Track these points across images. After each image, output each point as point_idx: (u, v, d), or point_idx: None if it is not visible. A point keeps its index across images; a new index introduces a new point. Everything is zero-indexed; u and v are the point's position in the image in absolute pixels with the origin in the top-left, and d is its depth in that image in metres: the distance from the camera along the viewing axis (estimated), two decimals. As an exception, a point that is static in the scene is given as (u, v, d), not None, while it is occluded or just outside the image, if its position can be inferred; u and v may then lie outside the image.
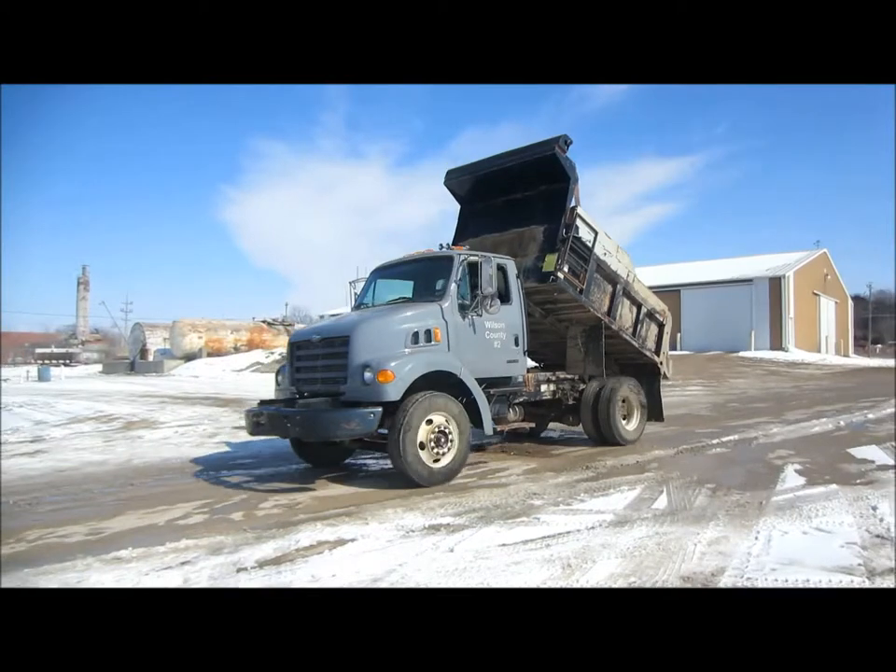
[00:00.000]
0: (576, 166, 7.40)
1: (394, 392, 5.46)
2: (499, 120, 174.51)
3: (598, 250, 7.64)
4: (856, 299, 57.96)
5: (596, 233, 7.63)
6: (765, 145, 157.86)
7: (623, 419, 7.85)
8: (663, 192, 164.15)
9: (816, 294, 41.57)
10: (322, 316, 60.17)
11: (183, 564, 3.53)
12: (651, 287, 9.05)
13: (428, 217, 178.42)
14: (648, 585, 3.10)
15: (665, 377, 9.12)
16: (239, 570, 3.42)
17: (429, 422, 5.63)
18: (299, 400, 5.97)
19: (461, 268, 6.42)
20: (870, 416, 10.49)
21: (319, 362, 6.11)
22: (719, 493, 5.03)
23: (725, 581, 3.11)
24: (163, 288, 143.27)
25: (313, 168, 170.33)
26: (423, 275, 6.87)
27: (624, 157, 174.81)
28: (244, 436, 8.74)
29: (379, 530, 4.14)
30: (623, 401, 7.90)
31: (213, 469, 6.65)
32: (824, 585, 3.04)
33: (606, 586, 3.12)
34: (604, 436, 7.66)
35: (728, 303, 35.25)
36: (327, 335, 6.10)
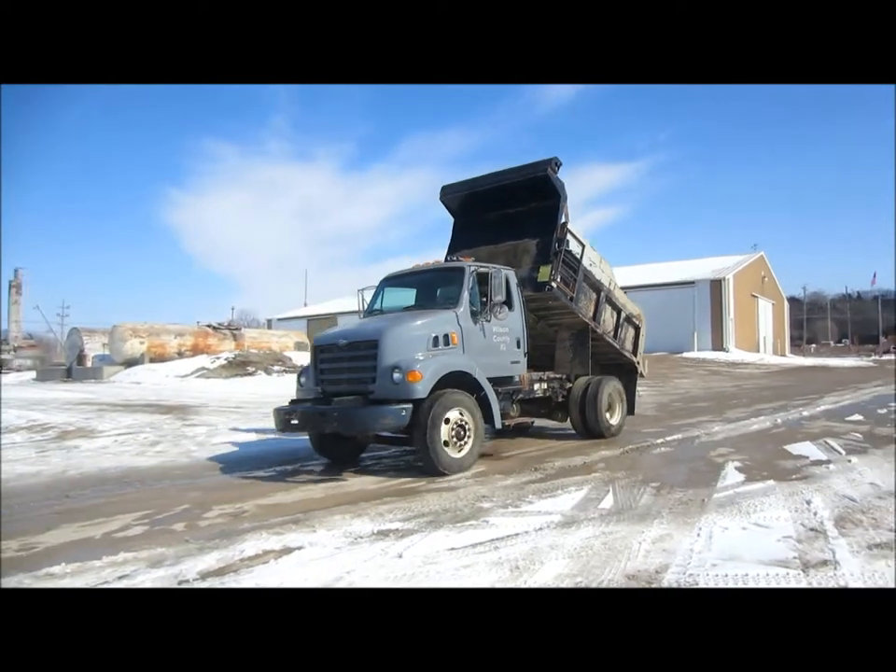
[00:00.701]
0: (565, 185, 8.08)
1: (422, 390, 6.07)
2: (448, 124, 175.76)
3: (585, 261, 8.38)
4: (791, 300, 60.33)
5: (584, 246, 8.40)
6: (705, 151, 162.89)
7: (607, 413, 8.51)
8: (608, 197, 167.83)
9: (754, 296, 43.09)
10: (269, 320, 59.29)
11: (121, 578, 3.40)
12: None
13: (378, 221, 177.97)
14: (595, 585, 3.13)
15: (642, 375, 9.98)
16: (181, 583, 3.31)
17: (449, 419, 6.21)
18: (334, 399, 6.42)
19: (472, 278, 7.08)
20: (805, 413, 10.92)
21: (345, 364, 6.66)
22: (663, 491, 5.14)
23: (669, 579, 3.17)
24: (103, 292, 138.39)
25: (260, 170, 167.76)
26: (434, 285, 7.58)
27: (571, 162, 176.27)
28: (187, 444, 8.52)
29: (326, 537, 4.07)
30: (608, 397, 8.53)
31: (153, 478, 6.43)
32: (822, 586, 3.08)
33: (606, 586, 3.14)
34: (590, 429, 8.33)
35: (672, 305, 36.13)
36: (353, 339, 6.67)
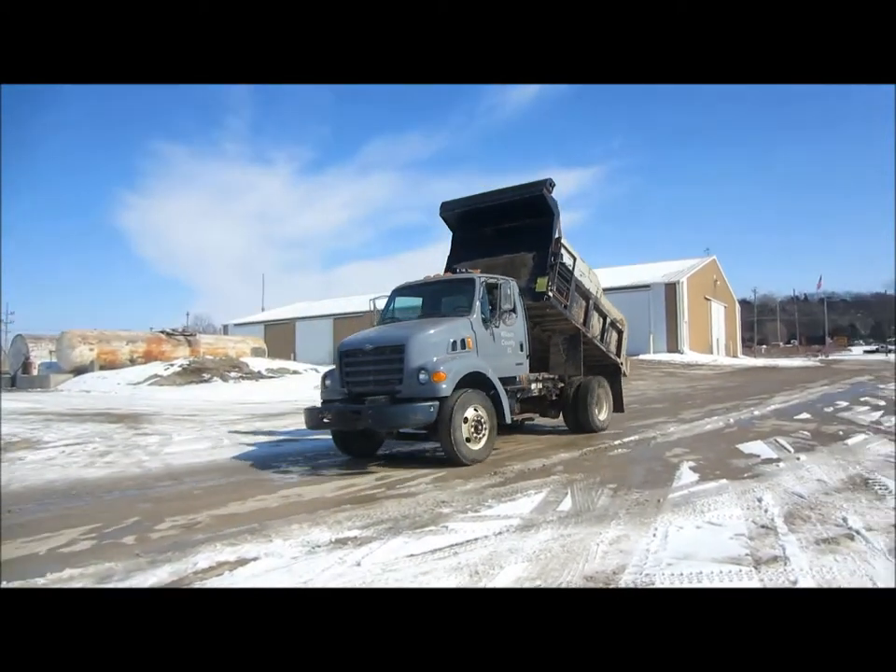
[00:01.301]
0: (557, 203, 8.84)
1: (446, 389, 6.73)
2: (408, 128, 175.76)
3: (577, 273, 9.21)
4: (742, 303, 62.04)
5: (575, 259, 9.21)
6: (657, 157, 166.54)
7: (596, 410, 9.33)
8: (565, 201, 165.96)
9: (707, 299, 44.19)
10: (226, 326, 58.27)
11: (65, 596, 3.26)
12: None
13: (338, 224, 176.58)
14: (556, 587, 3.14)
15: (625, 375, 10.94)
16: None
17: (468, 414, 6.89)
18: (367, 399, 6.96)
19: (482, 288, 7.77)
20: (756, 413, 11.22)
21: (371, 367, 7.22)
22: (620, 492, 5.20)
23: (626, 580, 3.19)
24: (50, 298, 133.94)
25: (217, 173, 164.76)
26: (445, 295, 8.35)
27: (529, 167, 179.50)
28: (138, 454, 8.28)
29: (283, 547, 3.99)
30: (596, 396, 9.35)
31: (102, 490, 6.23)
32: (823, 586, 3.09)
33: (605, 586, 3.15)
34: (581, 425, 9.17)
35: (628, 308, 36.59)
36: (379, 344, 7.23)
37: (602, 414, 9.50)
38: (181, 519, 4.87)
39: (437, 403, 6.65)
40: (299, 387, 21.25)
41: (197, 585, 3.38)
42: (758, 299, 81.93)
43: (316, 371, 28.47)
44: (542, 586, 3.17)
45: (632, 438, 8.49)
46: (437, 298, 8.41)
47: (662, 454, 7.22)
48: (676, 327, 38.35)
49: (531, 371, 8.54)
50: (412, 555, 3.73)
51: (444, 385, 6.72)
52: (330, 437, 7.93)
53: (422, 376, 6.73)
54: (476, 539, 4.00)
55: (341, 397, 7.42)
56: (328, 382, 7.67)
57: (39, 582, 3.47)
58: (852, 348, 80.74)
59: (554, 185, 8.84)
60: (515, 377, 8.02)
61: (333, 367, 7.77)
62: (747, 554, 3.53)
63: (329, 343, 49.24)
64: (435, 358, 6.90)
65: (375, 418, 6.75)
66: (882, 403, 12.46)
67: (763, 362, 41.84)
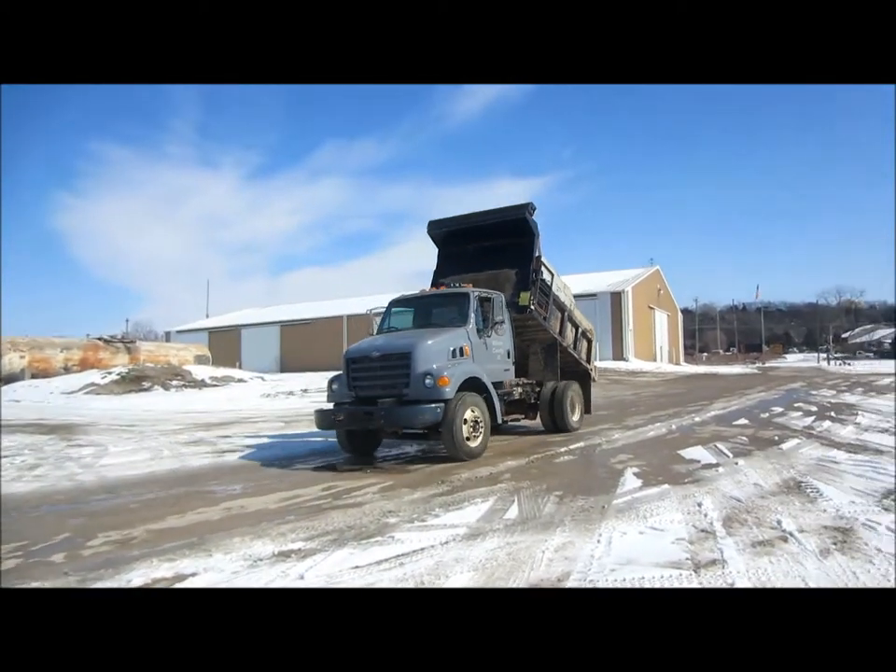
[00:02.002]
0: (538, 224, 9.74)
1: (450, 392, 7.42)
2: (357, 135, 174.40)
3: (555, 288, 10.17)
4: (685, 311, 63.94)
5: (553, 275, 10.16)
6: (605, 168, 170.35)
7: (570, 412, 10.12)
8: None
9: (651, 307, 45.34)
10: (168, 333, 56.59)
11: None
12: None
13: (288, 230, 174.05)
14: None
15: (594, 380, 12.00)
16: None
17: (468, 415, 7.57)
18: (379, 401, 7.57)
19: (476, 301, 8.60)
20: (697, 419, 11.53)
21: (378, 372, 7.88)
22: (566, 499, 5.24)
23: (570, 586, 3.21)
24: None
25: (161, 176, 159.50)
26: (441, 307, 9.06)
27: (481, 175, 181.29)
28: (71, 467, 7.93)
29: (223, 561, 3.87)
30: (570, 399, 10.16)
31: (31, 505, 5.92)
32: (827, 586, 3.14)
33: (606, 586, 3.18)
34: (557, 426, 9.94)
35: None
36: (386, 352, 7.92)
37: (575, 416, 10.37)
38: (115, 534, 4.67)
39: (442, 405, 7.33)
40: (244, 396, 20.83)
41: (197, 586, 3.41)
42: (699, 308, 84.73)
43: (262, 379, 27.97)
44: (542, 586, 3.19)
45: (578, 444, 8.59)
46: (432, 310, 9.15)
47: (607, 460, 7.33)
48: (621, 335, 39.19)
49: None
50: (356, 567, 3.67)
51: (448, 389, 7.41)
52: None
53: (427, 381, 7.40)
54: (422, 549, 3.96)
55: (348, 400, 8.05)
56: (334, 386, 8.29)
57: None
58: (787, 356, 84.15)
59: (535, 208, 9.77)
60: (502, 382, 8.84)
61: (339, 372, 8.34)
62: (687, 558, 3.60)
63: (275, 350, 48.47)
64: (438, 365, 7.62)
65: (387, 418, 7.39)
66: (814, 409, 12.98)
67: (704, 369, 43.14)
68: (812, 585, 3.16)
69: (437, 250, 10.91)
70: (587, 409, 11.15)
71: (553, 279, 10.13)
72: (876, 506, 4.70)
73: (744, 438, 8.65)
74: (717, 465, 6.59)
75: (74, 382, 21.47)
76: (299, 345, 46.72)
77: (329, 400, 8.42)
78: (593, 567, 3.51)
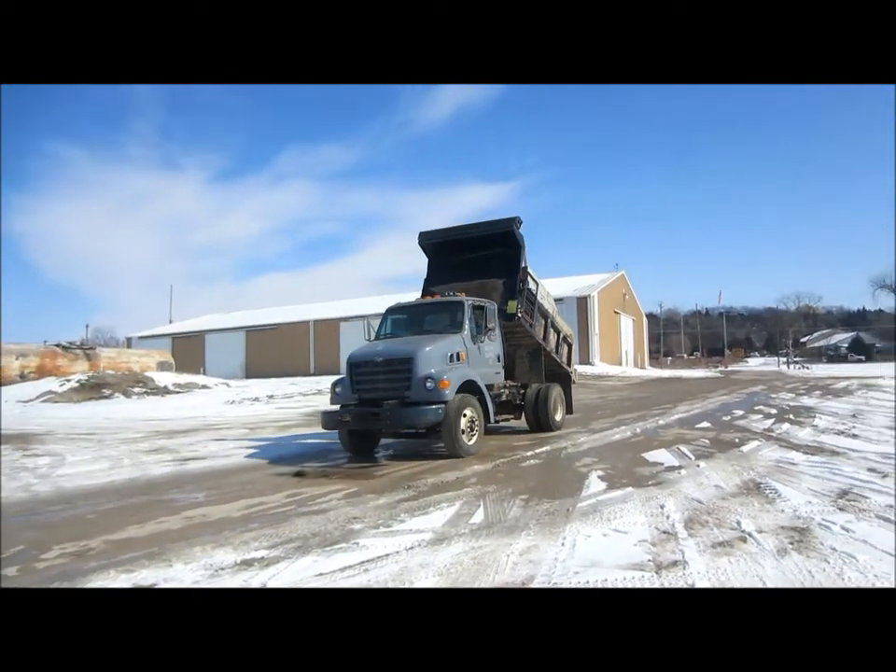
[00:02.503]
0: (524, 236, 10.40)
1: (449, 394, 7.98)
2: (323, 140, 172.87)
3: (539, 296, 10.80)
4: (649, 316, 64.94)
5: (538, 284, 10.81)
6: (570, 174, 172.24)
7: (553, 412, 10.75)
8: (486, 215, 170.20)
9: (616, 312, 45.91)
10: (129, 339, 55.40)
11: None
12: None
13: (253, 234, 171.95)
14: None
15: (574, 382, 12.75)
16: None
17: (465, 415, 8.14)
18: (384, 403, 8.06)
19: (470, 309, 9.18)
20: (660, 422, 11.70)
21: (381, 376, 8.36)
22: (531, 503, 5.27)
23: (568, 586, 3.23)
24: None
25: (121, 178, 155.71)
26: (436, 314, 9.58)
27: (448, 181, 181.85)
28: (26, 477, 7.70)
29: (184, 571, 3.79)
30: (554, 400, 10.79)
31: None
32: (826, 585, 3.18)
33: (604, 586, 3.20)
34: (541, 425, 10.52)
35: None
36: (388, 357, 8.41)
37: (558, 415, 11.00)
38: (71, 546, 4.54)
39: (443, 406, 7.86)
40: (208, 403, 20.50)
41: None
42: (663, 312, 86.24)
43: (227, 385, 27.56)
44: (541, 586, 3.22)
45: (544, 448, 8.64)
46: (428, 317, 9.66)
47: (572, 463, 7.39)
48: (587, 339, 39.57)
49: None
50: (320, 574, 3.64)
51: (448, 391, 7.96)
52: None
53: (429, 384, 7.92)
54: (387, 555, 3.94)
55: (352, 402, 8.49)
56: (338, 389, 8.76)
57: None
58: (748, 360, 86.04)
59: (521, 222, 10.42)
60: (493, 384, 9.41)
61: (342, 376, 8.84)
62: (649, 560, 3.65)
63: (241, 356, 47.82)
64: (438, 369, 8.16)
65: (392, 419, 7.90)
66: (773, 412, 13.28)
67: (668, 373, 43.87)
68: (769, 585, 3.23)
69: (427, 259, 11.41)
70: (569, 409, 11.93)
71: (537, 288, 10.77)
72: (832, 506, 4.82)
73: (706, 440, 8.81)
74: (680, 467, 6.69)
75: (30, 390, 20.88)
76: (264, 351, 46.20)
77: (332, 402, 8.91)
78: (557, 569, 3.53)
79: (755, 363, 76.31)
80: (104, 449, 10.10)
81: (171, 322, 60.97)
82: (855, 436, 8.88)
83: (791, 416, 12.02)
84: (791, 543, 3.90)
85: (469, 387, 8.44)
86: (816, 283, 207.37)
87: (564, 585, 3.30)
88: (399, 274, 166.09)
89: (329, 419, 8.57)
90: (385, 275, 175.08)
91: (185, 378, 25.98)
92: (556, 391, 11.08)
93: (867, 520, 4.40)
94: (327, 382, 28.64)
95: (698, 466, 6.69)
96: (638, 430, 10.52)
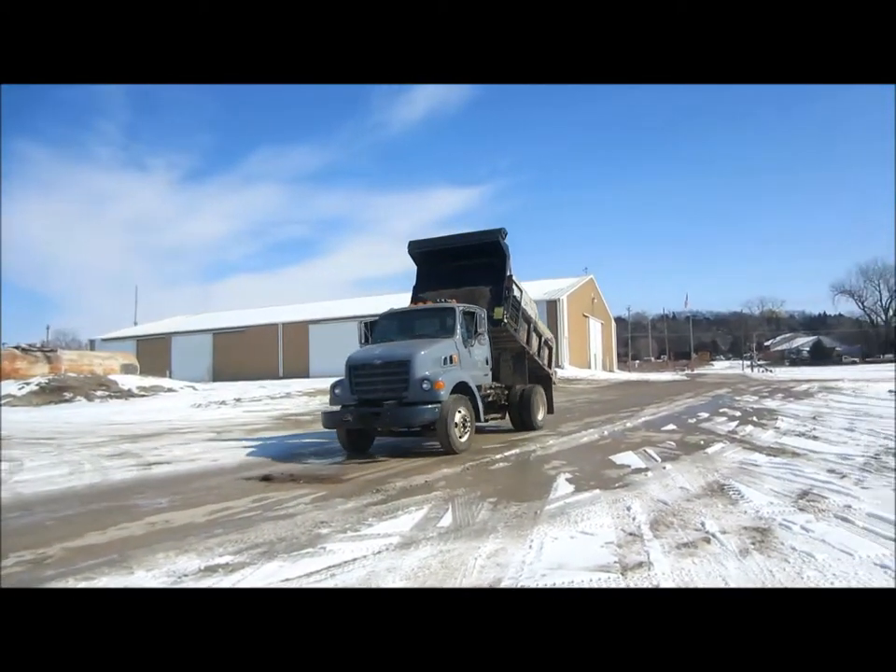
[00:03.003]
0: (509, 246, 11.03)
1: (444, 395, 8.55)
2: (294, 141, 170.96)
3: (523, 303, 11.46)
4: (618, 320, 65.70)
5: (522, 291, 11.48)
6: (541, 179, 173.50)
7: (536, 412, 11.34)
8: (455, 219, 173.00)
9: (585, 316, 46.35)
10: (92, 341, 54.19)
11: None
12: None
13: (220, 236, 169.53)
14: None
15: (555, 384, 13.48)
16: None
17: (459, 412, 8.76)
18: (384, 403, 8.67)
19: (461, 315, 9.77)
20: (628, 425, 11.83)
21: (379, 378, 8.89)
22: (500, 506, 5.28)
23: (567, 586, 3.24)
24: None
25: (85, 178, 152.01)
26: (430, 319, 10.10)
27: (419, 185, 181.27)
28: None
29: (145, 579, 3.71)
30: (536, 401, 11.37)
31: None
32: (826, 586, 3.19)
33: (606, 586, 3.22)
34: (525, 424, 11.13)
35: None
36: (386, 360, 8.96)
37: (539, 415, 11.58)
38: (28, 554, 4.40)
39: (439, 406, 8.41)
40: (174, 406, 20.15)
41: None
42: (632, 316, 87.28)
43: (194, 388, 27.14)
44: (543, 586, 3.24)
45: (513, 451, 8.67)
46: (422, 322, 10.18)
47: (541, 466, 7.43)
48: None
49: None
50: (286, 580, 3.60)
51: (443, 392, 8.53)
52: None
53: (425, 385, 8.47)
54: (354, 560, 3.91)
55: (352, 402, 9.03)
56: (337, 390, 9.30)
57: None
58: (714, 363, 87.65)
59: (507, 233, 11.08)
60: (481, 385, 9.93)
61: (342, 378, 9.30)
62: (615, 562, 3.68)
63: (208, 359, 47.12)
64: (433, 371, 8.69)
65: (391, 418, 8.52)
66: (738, 414, 13.52)
67: (636, 376, 44.41)
68: (732, 585, 3.28)
69: (416, 267, 11.94)
70: (550, 409, 12.49)
71: (521, 295, 11.42)
72: (792, 506, 4.93)
73: (672, 443, 8.93)
74: (646, 469, 6.77)
75: (-12, 393, 20.28)
76: (232, 354, 45.55)
77: (331, 403, 9.54)
78: (524, 572, 3.54)
79: (720, 366, 77.73)
80: (64, 454, 9.86)
81: (136, 324, 59.85)
82: (815, 437, 9.09)
83: (755, 419, 12.25)
84: (753, 543, 3.97)
85: (461, 388, 9.01)
86: (779, 288, 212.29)
87: (558, 586, 3.31)
88: (369, 277, 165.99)
89: (330, 419, 9.13)
90: (355, 278, 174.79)
91: (150, 381, 25.52)
92: (538, 392, 11.62)
93: (826, 520, 4.50)
94: (296, 385, 28.47)
95: (664, 468, 6.78)
96: (606, 433, 10.62)
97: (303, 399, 22.58)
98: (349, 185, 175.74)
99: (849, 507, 4.82)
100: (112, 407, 20.08)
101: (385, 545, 4.22)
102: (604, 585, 3.32)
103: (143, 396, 22.84)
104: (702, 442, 8.84)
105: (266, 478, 7.21)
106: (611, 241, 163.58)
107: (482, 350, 10.17)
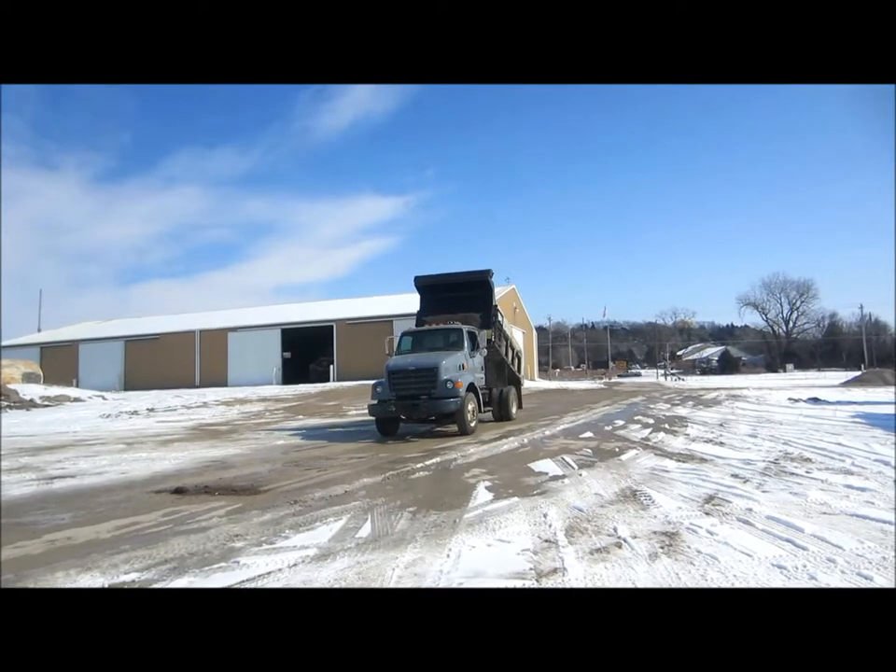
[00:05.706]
0: (494, 283, 14.86)
1: (462, 392, 11.98)
2: (217, 145, 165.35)
3: (504, 326, 15.32)
4: (539, 329, 67.15)
5: (503, 317, 15.47)
6: (465, 188, 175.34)
7: (511, 406, 14.99)
8: (381, 227, 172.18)
9: (508, 324, 47.01)
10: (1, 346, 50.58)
11: None
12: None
13: (137, 239, 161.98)
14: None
15: (522, 384, 17.32)
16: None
17: (471, 404, 12.33)
18: (420, 397, 12.01)
19: (466, 334, 13.33)
20: (547, 433, 12.10)
21: (413, 379, 12.16)
22: (419, 515, 5.28)
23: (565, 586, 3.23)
24: None
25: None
26: (442, 336, 13.57)
27: (345, 192, 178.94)
28: None
29: (42, 601, 3.50)
30: (511, 398, 15.06)
31: None
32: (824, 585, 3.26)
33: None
34: (503, 416, 14.53)
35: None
36: (418, 367, 12.26)
37: (513, 409, 15.22)
38: None
39: (459, 399, 11.85)
40: (82, 417, 19.13)
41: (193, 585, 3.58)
42: (552, 326, 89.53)
43: (103, 398, 25.87)
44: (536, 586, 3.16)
45: (434, 460, 8.70)
46: (436, 338, 13.62)
47: (461, 475, 7.48)
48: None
49: None
50: (196, 597, 3.47)
51: (461, 390, 11.96)
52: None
53: (449, 385, 11.86)
54: (269, 573, 3.82)
55: (390, 398, 12.18)
56: (378, 389, 12.47)
57: None
58: (630, 371, 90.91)
59: (493, 273, 14.78)
60: (479, 387, 13.11)
61: (382, 379, 12.56)
62: (531, 568, 3.75)
63: (119, 367, 44.94)
64: (454, 374, 12.12)
65: (427, 408, 11.92)
66: (651, 421, 14.09)
67: (556, 384, 45.52)
68: (640, 587, 3.41)
69: (419, 296, 15.58)
70: (520, 405, 16.23)
71: (503, 320, 15.22)
72: (699, 511, 5.17)
73: (588, 450, 9.20)
74: (563, 476, 6.95)
75: None
76: (145, 362, 43.59)
77: (374, 398, 12.52)
78: (441, 581, 3.56)
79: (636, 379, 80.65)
80: (-46, 468, 9.15)
81: (39, 330, 56.36)
82: (722, 444, 9.58)
83: (667, 426, 12.79)
84: (662, 547, 4.14)
85: (471, 388, 12.39)
86: (691, 299, 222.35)
87: (552, 586, 3.33)
88: (293, 283, 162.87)
89: (377, 409, 12.39)
90: (279, 284, 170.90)
91: (55, 390, 24.14)
92: (513, 392, 15.37)
93: (729, 523, 4.74)
94: (213, 395, 27.55)
95: (580, 475, 6.97)
96: (526, 441, 10.81)
97: (220, 409, 21.91)
98: (275, 190, 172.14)
99: (750, 510, 5.10)
100: (11, 418, 18.85)
101: (301, 557, 4.14)
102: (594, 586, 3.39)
103: (47, 406, 21.57)
104: (617, 449, 9.15)
105: (179, 490, 6.93)
106: (532, 250, 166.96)
107: (479, 360, 13.53)
